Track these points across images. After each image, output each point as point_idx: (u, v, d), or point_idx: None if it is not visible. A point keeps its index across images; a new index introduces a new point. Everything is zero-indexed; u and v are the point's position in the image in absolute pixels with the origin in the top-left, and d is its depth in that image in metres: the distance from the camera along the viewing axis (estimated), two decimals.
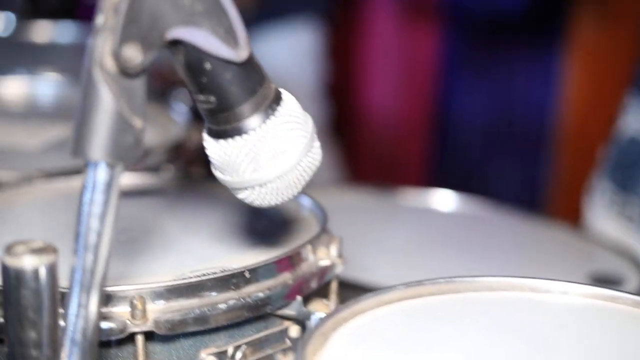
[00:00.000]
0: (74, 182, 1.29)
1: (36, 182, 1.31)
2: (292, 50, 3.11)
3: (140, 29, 0.78)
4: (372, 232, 1.51)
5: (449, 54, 3.49)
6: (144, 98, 0.80)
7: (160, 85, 1.99)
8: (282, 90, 0.89)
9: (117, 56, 0.77)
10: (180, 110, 1.72)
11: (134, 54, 0.78)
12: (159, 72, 2.03)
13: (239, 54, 0.83)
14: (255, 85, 0.87)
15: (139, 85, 0.79)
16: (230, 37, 0.82)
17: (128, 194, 1.24)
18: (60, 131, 1.57)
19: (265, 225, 1.15)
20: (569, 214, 2.19)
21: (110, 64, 0.77)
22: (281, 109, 0.88)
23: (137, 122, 0.79)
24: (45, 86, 1.85)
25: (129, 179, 1.28)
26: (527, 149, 3.39)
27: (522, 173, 3.42)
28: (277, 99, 0.88)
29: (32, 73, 1.89)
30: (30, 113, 1.75)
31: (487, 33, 3.32)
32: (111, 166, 0.78)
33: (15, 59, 2.21)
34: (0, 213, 1.20)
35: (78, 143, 0.78)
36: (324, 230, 1.08)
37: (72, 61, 2.21)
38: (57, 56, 2.29)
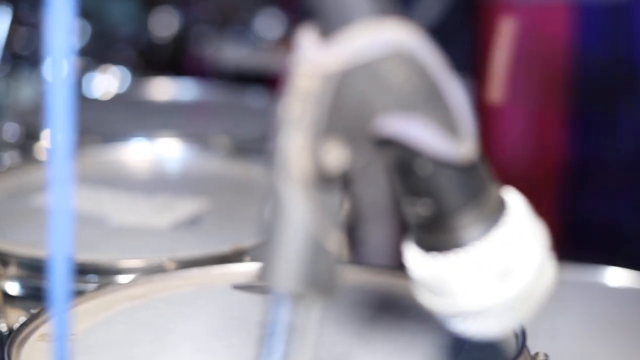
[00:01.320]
0: (212, 272, 1.14)
1: (169, 271, 1.15)
2: None
3: (343, 120, 0.60)
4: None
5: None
6: (340, 210, 0.62)
7: None
8: (510, 192, 0.70)
9: (315, 158, 0.59)
10: None
11: (336, 154, 0.60)
12: None
13: (462, 150, 0.65)
14: (479, 187, 0.67)
15: (335, 194, 0.61)
16: (450, 129, 0.64)
17: None
18: (189, 208, 1.41)
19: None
20: None
21: (305, 168, 0.59)
22: (509, 218, 0.69)
23: (333, 242, 0.61)
24: (169, 151, 1.69)
25: None
26: None
27: None
28: (503, 205, 0.69)
29: (153, 135, 1.73)
30: (155, 182, 1.59)
31: None
32: (301, 297, 0.61)
33: (134, 118, 2.07)
34: (135, 312, 1.04)
35: (265, 265, 0.61)
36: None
37: (193, 121, 2.07)
38: (178, 115, 2.15)
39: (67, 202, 0.60)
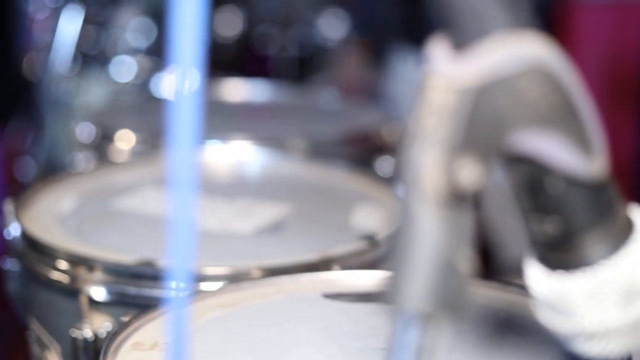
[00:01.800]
0: (301, 280, 1.13)
1: (257, 279, 1.14)
2: None
3: (477, 136, 0.58)
4: None
5: None
6: (470, 230, 0.60)
7: (362, 151, 1.81)
8: (636, 212, 0.68)
9: (448, 174, 0.57)
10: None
11: (469, 170, 0.58)
12: (362, 135, 1.85)
13: (594, 168, 0.63)
14: (608, 206, 0.65)
15: (466, 213, 0.60)
16: (584, 146, 0.62)
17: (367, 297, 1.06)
18: (271, 212, 1.40)
19: None
20: None
21: (438, 184, 0.58)
22: (636, 238, 0.67)
23: (464, 262, 0.59)
24: (245, 154, 1.68)
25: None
26: None
27: None
28: (631, 225, 0.67)
29: (228, 138, 1.72)
30: (233, 186, 1.58)
31: None
32: (431, 317, 0.59)
33: (207, 119, 2.05)
34: (227, 321, 1.02)
35: (392, 285, 0.59)
36: None
37: (267, 123, 2.06)
38: (251, 117, 2.14)
39: (190, 210, 0.58)
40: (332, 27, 3.19)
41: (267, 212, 1.40)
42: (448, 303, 0.59)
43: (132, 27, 2.69)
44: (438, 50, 0.60)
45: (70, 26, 2.62)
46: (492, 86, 0.58)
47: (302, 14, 3.29)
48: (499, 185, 0.67)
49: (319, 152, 1.74)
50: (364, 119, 2.00)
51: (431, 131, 0.58)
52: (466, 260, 0.59)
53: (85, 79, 2.63)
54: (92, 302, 1.19)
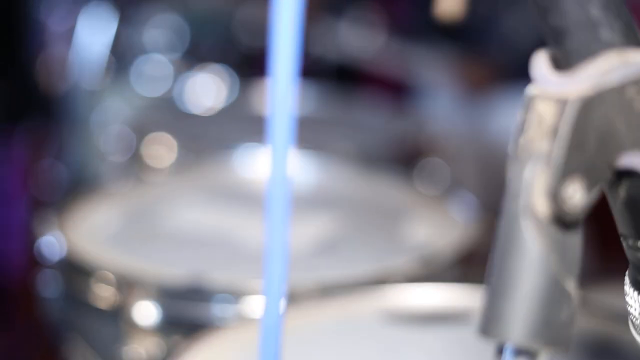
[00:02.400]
0: (362, 297, 1.08)
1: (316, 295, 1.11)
2: None
3: (585, 156, 0.54)
4: None
5: None
6: (579, 256, 0.56)
7: (406, 157, 1.77)
8: None
9: (554, 195, 0.53)
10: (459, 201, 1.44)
11: (576, 192, 0.54)
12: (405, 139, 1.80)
13: None
14: None
15: (575, 237, 0.55)
16: None
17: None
18: (323, 225, 1.36)
19: None
20: None
21: (543, 206, 0.53)
22: None
23: (572, 290, 0.55)
24: (292, 163, 1.63)
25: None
26: None
27: None
28: None
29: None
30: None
31: None
32: (533, 354, 0.54)
33: (245, 126, 2.02)
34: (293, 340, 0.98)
35: (488, 315, 0.55)
36: None
37: (311, 130, 2.01)
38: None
39: (285, 226, 0.55)
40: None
41: (319, 225, 1.36)
42: (553, 335, 0.54)
43: (160, 29, 2.65)
44: (545, 64, 0.55)
45: (91, 32, 2.59)
46: (603, 102, 0.53)
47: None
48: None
49: (368, 160, 1.70)
50: (403, 126, 1.97)
51: (540, 150, 0.53)
52: (574, 289, 0.55)
53: (111, 85, 2.60)
54: (144, 322, 1.16)
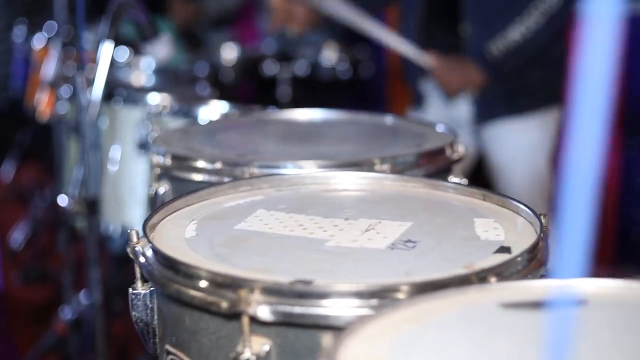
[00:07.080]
0: (474, 292, 1.15)
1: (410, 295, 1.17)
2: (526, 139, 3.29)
3: None
4: None
5: None
6: None
7: (433, 169, 1.86)
8: None
9: None
10: None
11: None
12: (432, 153, 1.88)
13: None
14: None
15: None
16: None
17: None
18: (396, 229, 1.43)
19: None
20: None
21: None
22: None
23: None
24: (339, 178, 1.72)
25: None
26: None
27: None
28: None
29: (321, 162, 1.79)
30: (340, 207, 1.60)
31: None
32: None
33: (284, 140, 2.10)
34: (419, 336, 1.04)
35: None
36: None
37: (344, 143, 2.09)
38: (323, 139, 2.18)
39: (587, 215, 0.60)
40: None
41: (393, 229, 1.43)
42: None
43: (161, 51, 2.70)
44: None
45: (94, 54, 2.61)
46: None
47: None
48: None
49: (400, 170, 1.79)
50: (433, 137, 2.07)
51: None
52: None
53: (115, 106, 2.62)
54: (253, 324, 1.20)
